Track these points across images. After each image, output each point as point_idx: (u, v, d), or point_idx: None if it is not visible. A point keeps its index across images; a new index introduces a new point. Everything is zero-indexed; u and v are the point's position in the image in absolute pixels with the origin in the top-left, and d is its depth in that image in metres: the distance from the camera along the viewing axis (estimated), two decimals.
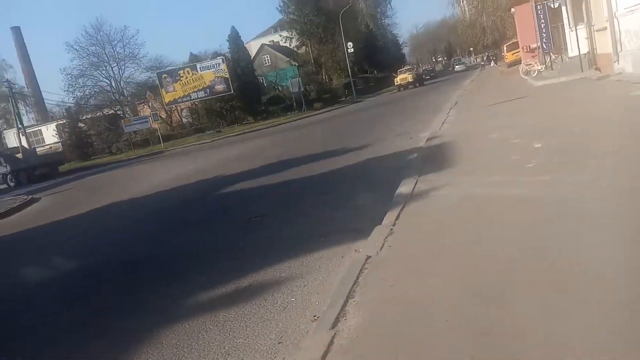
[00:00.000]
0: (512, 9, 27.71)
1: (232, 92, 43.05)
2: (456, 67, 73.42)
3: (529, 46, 25.29)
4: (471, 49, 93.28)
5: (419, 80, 46.21)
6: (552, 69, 18.73)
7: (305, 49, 59.10)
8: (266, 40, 70.91)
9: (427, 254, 3.92)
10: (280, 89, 52.16)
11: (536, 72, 20.27)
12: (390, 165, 9.01)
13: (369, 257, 4.13)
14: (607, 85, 11.42)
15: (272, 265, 4.95)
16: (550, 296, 2.81)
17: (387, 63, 73.19)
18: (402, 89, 44.13)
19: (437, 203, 5.29)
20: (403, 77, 45.74)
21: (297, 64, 56.63)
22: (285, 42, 62.39)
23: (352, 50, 50.96)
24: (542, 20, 20.44)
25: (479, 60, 76.07)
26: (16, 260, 8.63)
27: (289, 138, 22.34)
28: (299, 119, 37.93)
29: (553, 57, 19.84)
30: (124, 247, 7.66)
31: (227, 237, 6.71)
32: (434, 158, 7.99)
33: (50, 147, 47.63)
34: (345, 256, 4.73)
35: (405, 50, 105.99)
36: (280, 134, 26.57)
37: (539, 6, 20.28)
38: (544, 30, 20.46)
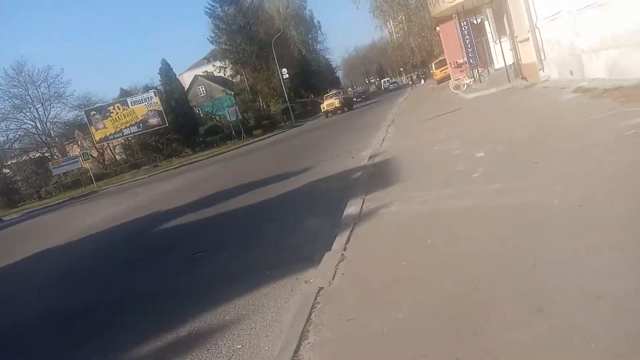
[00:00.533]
0: (437, 28, 28.78)
1: (167, 124, 41.92)
2: (390, 86, 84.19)
3: (457, 62, 26.24)
4: (401, 69, 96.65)
5: (347, 105, 42.92)
6: (480, 82, 19.40)
7: (240, 78, 58.85)
8: (199, 71, 70.08)
9: (384, 279, 3.59)
10: (217, 118, 51.40)
11: (465, 85, 20.95)
12: (335, 187, 8.73)
13: (321, 289, 3.76)
14: (537, 92, 11.80)
15: (216, 307, 4.46)
16: (531, 320, 2.51)
17: (323, 86, 74.28)
18: (330, 114, 40.76)
19: (387, 222, 5.01)
20: (329, 102, 41.89)
21: (233, 93, 56.22)
22: (219, 72, 61.91)
23: (287, 76, 51.33)
24: (467, 36, 21.24)
25: (409, 80, 78.99)
26: None
27: (230, 167, 21.77)
28: (239, 147, 37.38)
29: (480, 70, 20.59)
30: (54, 298, 6.86)
31: (167, 278, 6.12)
32: (378, 175, 7.79)
33: None
34: (295, 289, 4.33)
35: (340, 74, 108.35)
36: (221, 163, 25.92)
37: (462, 23, 21.10)
38: (469, 46, 21.23)
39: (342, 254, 4.41)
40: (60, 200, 36.05)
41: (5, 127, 48.74)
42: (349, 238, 4.84)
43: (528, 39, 14.14)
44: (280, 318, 3.79)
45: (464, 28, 21.21)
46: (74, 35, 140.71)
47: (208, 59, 68.57)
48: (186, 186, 18.40)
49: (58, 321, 5.66)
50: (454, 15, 22.73)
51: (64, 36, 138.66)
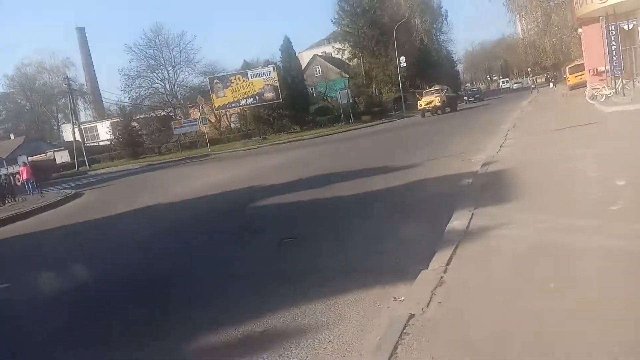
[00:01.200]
0: (579, 29, 25.98)
1: (281, 100, 42.86)
2: (514, 85, 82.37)
3: (597, 69, 23.48)
4: (529, 69, 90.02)
5: (450, 105, 37.52)
6: (623, 95, 17.13)
7: (357, 62, 58.50)
8: (318, 51, 70.84)
9: (489, 325, 3.02)
10: (329, 99, 51.70)
11: (604, 96, 18.66)
12: (440, 191, 8.07)
13: (412, 316, 3.28)
14: None
15: (296, 305, 4.17)
16: None
17: (440, 79, 71.60)
18: (427, 114, 35.98)
19: (500, 248, 4.35)
20: (428, 99, 36.53)
21: (347, 76, 56.15)
22: (337, 54, 62.05)
23: (405, 64, 49.95)
24: (614, 42, 18.86)
25: (537, 81, 73.09)
26: (29, 263, 8.27)
27: (335, 150, 21.61)
28: (346, 130, 37.22)
29: (624, 82, 18.19)
30: (144, 260, 7.10)
31: (253, 261, 5.99)
32: (492, 187, 7.01)
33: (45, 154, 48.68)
34: (382, 305, 3.90)
35: (460, 67, 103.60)
36: (326, 145, 25.88)
37: (610, 27, 18.74)
38: (614, 53, 18.86)
39: (442, 277, 3.87)
40: (177, 158, 38.70)
41: (139, 84, 53.37)
42: (450, 258, 4.27)
43: None
44: (361, 339, 3.38)
45: (612, 33, 18.85)
46: (208, 4, 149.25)
47: (328, 40, 69.11)
48: (290, 163, 18.56)
49: (136, 285, 5.78)
50: (601, 18, 20.26)
51: (199, 4, 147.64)
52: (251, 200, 10.86)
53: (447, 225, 5.37)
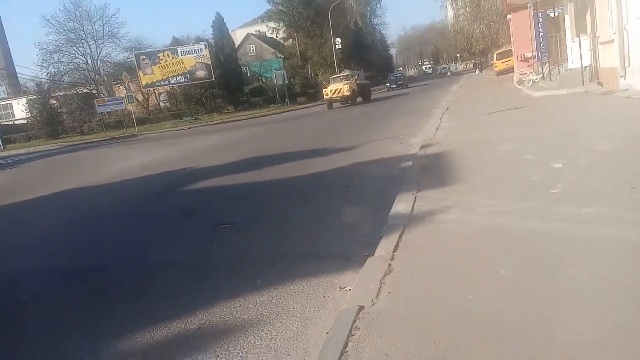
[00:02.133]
0: (508, 16, 26.99)
1: (214, 79, 41.54)
2: (442, 70, 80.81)
3: (524, 55, 24.59)
4: (458, 55, 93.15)
5: (362, 94, 31.92)
6: (550, 80, 17.95)
7: (292, 42, 57.85)
8: (252, 29, 69.36)
9: (445, 314, 2.84)
10: (264, 80, 50.85)
11: (531, 82, 19.51)
12: (381, 173, 7.98)
13: (361, 308, 3.05)
14: (617, 101, 10.59)
15: (234, 298, 3.84)
16: None
17: (375, 62, 72.50)
18: (333, 105, 30.02)
19: (446, 233, 4.23)
20: (336, 87, 29.96)
21: (282, 56, 55.41)
22: (271, 33, 61.04)
23: (340, 46, 50.02)
24: (540, 29, 19.71)
25: (464, 66, 75.56)
26: None
27: (271, 132, 21.15)
28: (282, 112, 36.74)
29: (551, 67, 19.08)
30: (61, 249, 6.41)
31: (186, 248, 5.56)
32: (432, 169, 6.96)
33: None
34: (327, 295, 3.66)
35: (393, 51, 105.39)
36: (262, 126, 25.33)
37: (538, 14, 19.53)
38: (541, 40, 19.73)
39: (389, 265, 3.68)
40: (101, 139, 36.50)
41: (58, 59, 49.65)
42: (397, 244, 4.09)
43: (612, 40, 12.73)
44: (307, 333, 3.12)
45: (539, 20, 19.68)
46: None
47: (262, 19, 67.72)
48: (223, 145, 17.92)
49: (50, 277, 5.21)
50: (529, 5, 21.11)
51: None
52: (183, 183, 10.26)
53: (391, 209, 5.21)
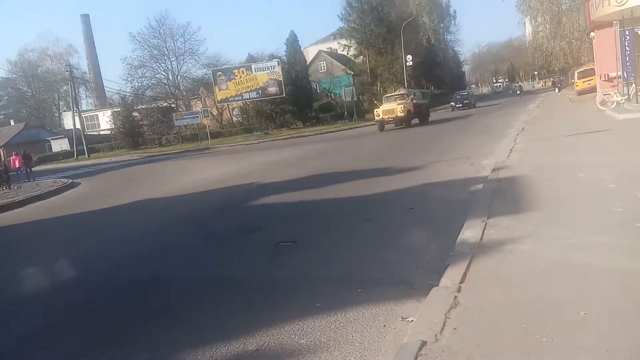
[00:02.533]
0: (592, 33, 25.52)
1: (284, 95, 42.45)
2: (513, 88, 71.49)
3: (608, 74, 23.08)
4: (535, 73, 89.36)
5: (418, 114, 28.34)
6: (636, 102, 16.71)
7: (363, 59, 57.99)
8: (324, 46, 70.38)
9: (513, 357, 2.63)
10: (333, 96, 51.30)
11: (615, 103, 18.23)
12: (448, 196, 7.69)
13: (424, 344, 2.89)
14: None
15: (292, 321, 3.79)
16: None
17: (446, 80, 71.14)
18: (385, 126, 27.10)
19: (518, 265, 3.97)
20: (388, 108, 26.84)
21: (352, 73, 55.64)
22: (343, 50, 61.53)
23: (411, 63, 49.50)
24: (627, 48, 18.46)
25: (544, 85, 72.05)
26: (12, 255, 7.89)
27: (337, 148, 21.21)
28: (350, 128, 36.82)
29: (637, 88, 17.76)
30: (128, 260, 6.70)
31: (246, 266, 5.60)
32: (504, 195, 6.61)
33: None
34: (388, 325, 3.52)
35: (466, 69, 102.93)
36: (329, 142, 25.48)
37: (625, 32, 18.31)
38: (628, 59, 18.45)
39: (455, 297, 3.48)
40: (177, 151, 38.32)
41: (142, 74, 52.94)
42: (465, 275, 3.89)
43: None
44: None
45: (626, 38, 18.43)
46: None
47: (334, 36, 68.54)
48: (290, 160, 18.18)
49: (122, 286, 5.40)
50: (615, 22, 19.85)
51: None
52: (248, 198, 10.49)
53: (459, 236, 4.98)
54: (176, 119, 44.00)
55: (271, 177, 13.57)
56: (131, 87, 52.54)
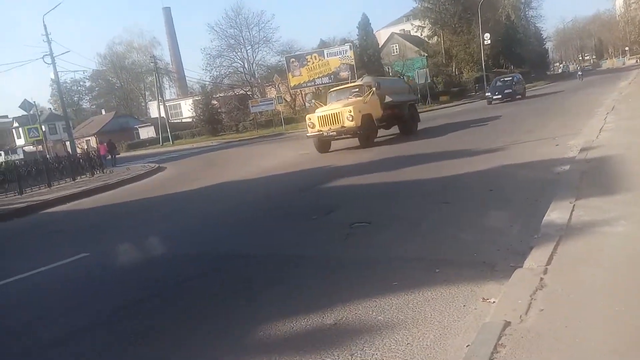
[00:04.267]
0: None
1: (356, 79, 42.16)
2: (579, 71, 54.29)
3: None
4: (627, 48, 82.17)
5: (398, 120, 18.04)
6: None
7: (437, 39, 56.35)
8: (396, 29, 69.12)
9: (605, 340, 2.49)
10: (405, 79, 50.27)
11: None
12: (532, 177, 7.33)
13: (507, 324, 2.80)
14: None
15: (369, 298, 3.81)
16: None
17: (527, 58, 67.36)
18: (324, 146, 16.25)
19: (609, 248, 3.72)
20: (329, 113, 15.55)
21: (426, 55, 54.22)
22: (416, 32, 60.18)
23: (489, 42, 47.32)
24: None
25: (636, 61, 65.99)
26: (109, 232, 8.54)
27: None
28: (423, 111, 35.94)
29: None
30: (216, 237, 7.03)
31: (323, 244, 5.68)
32: (595, 175, 6.19)
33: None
34: (468, 305, 3.44)
35: (549, 46, 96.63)
36: None
37: None
38: None
39: (541, 279, 3.33)
40: (252, 136, 39.48)
41: (219, 63, 54.70)
42: (551, 257, 3.70)
43: None
44: (445, 343, 2.96)
45: None
46: None
47: (407, 17, 67.13)
48: None
49: (199, 261, 5.67)
50: None
51: None
52: (322, 180, 10.60)
53: (544, 218, 4.74)
54: (252, 106, 45.21)
55: (345, 160, 13.63)
56: (210, 76, 54.62)
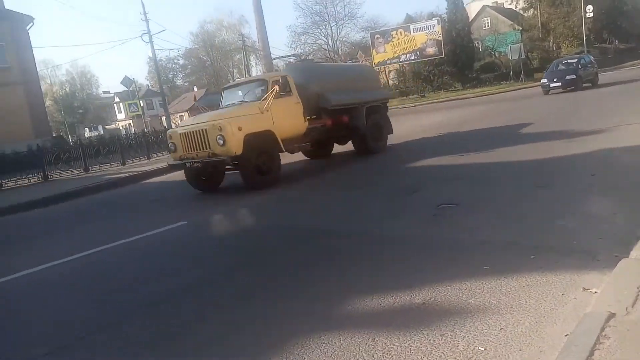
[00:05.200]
0: None
1: (443, 55, 40.70)
2: None
3: None
4: None
5: (328, 134, 11.67)
6: None
7: (533, 12, 52.69)
8: (489, 1, 65.48)
9: None
10: (496, 55, 47.77)
11: None
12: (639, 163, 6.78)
13: (612, 315, 2.67)
14: None
15: (459, 280, 3.78)
16: None
17: (634, 33, 61.13)
18: (194, 180, 10.20)
19: None
20: (190, 130, 9.49)
21: (520, 29, 51.03)
22: (510, 4, 56.63)
23: (591, 14, 43.54)
24: None
25: None
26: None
27: (501, 110, 19.85)
28: (515, 89, 34.04)
29: None
30: (303, 212, 7.28)
31: (408, 224, 5.66)
32: None
33: None
34: (566, 293, 3.31)
35: None
36: (491, 104, 23.96)
37: None
38: None
39: None
40: None
41: (304, 40, 55.26)
42: None
43: None
44: (541, 331, 2.88)
45: None
46: None
47: None
48: (450, 123, 17.54)
49: (290, 235, 5.86)
50: None
51: None
52: (407, 159, 10.48)
53: None
54: None
55: (434, 139, 13.35)
56: (294, 53, 55.31)
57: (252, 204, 8.36)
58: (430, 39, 40.88)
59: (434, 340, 2.99)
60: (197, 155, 9.41)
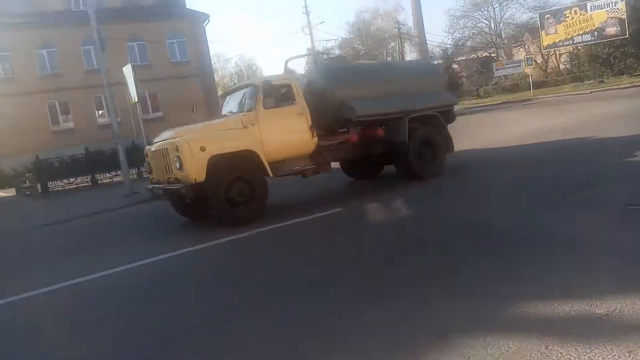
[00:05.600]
0: None
1: (627, 36, 35.65)
2: None
3: None
4: None
5: (349, 153, 9.27)
6: None
7: None
8: None
9: None
10: None
11: None
12: None
13: None
14: None
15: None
16: None
17: None
18: (182, 206, 8.76)
19: None
20: (157, 148, 8.19)
21: None
22: None
23: None
24: None
25: None
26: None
27: None
28: None
29: None
30: (465, 202, 7.10)
31: (588, 225, 5.14)
32: None
33: None
34: None
35: None
36: None
37: None
38: None
39: None
40: (495, 102, 37.41)
41: (463, 24, 52.95)
42: None
43: None
44: None
45: None
46: None
47: None
48: (635, 112, 15.42)
49: (450, 227, 5.72)
50: None
51: None
52: (577, 153, 9.54)
53: None
54: (496, 69, 42.76)
55: (608, 131, 11.87)
56: (452, 38, 53.44)
57: (409, 194, 8.36)
58: (612, 18, 36.12)
59: (619, 356, 2.71)
60: (166, 179, 7.92)
